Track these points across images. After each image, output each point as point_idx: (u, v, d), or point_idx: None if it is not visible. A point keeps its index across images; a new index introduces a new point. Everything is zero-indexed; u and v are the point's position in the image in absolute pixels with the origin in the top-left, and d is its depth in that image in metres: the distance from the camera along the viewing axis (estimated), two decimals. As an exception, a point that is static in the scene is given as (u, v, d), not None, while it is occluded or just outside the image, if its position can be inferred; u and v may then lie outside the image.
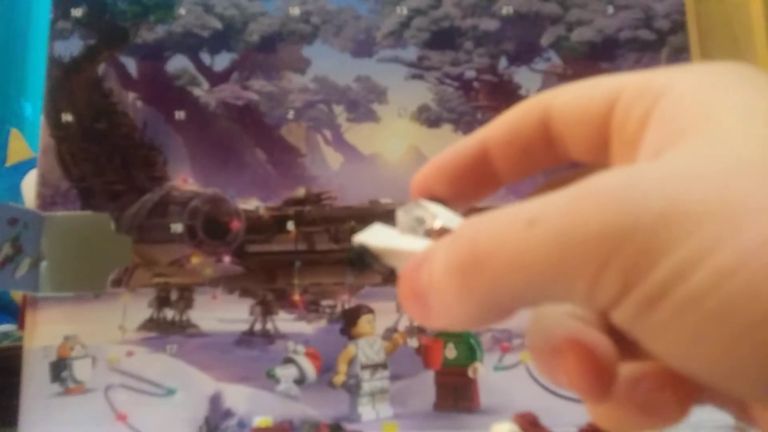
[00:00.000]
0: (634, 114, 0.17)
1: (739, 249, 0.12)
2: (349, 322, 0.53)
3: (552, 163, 0.20)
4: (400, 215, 0.19)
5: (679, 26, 0.57)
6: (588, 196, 0.14)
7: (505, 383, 0.51)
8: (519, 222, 0.14)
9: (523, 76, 0.57)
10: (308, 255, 0.54)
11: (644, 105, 0.17)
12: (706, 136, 0.15)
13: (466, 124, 0.56)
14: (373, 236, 0.19)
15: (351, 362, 0.52)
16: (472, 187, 0.20)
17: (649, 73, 0.17)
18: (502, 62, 0.57)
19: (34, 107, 1.00)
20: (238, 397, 0.51)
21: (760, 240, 0.12)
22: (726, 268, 0.12)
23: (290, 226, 0.54)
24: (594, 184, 0.14)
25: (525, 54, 0.58)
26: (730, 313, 0.12)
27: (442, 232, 0.18)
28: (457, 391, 0.51)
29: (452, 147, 0.20)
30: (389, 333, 0.52)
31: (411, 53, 0.57)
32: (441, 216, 0.18)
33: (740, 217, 0.13)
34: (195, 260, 0.54)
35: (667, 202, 0.13)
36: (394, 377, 0.52)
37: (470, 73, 0.57)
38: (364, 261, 0.18)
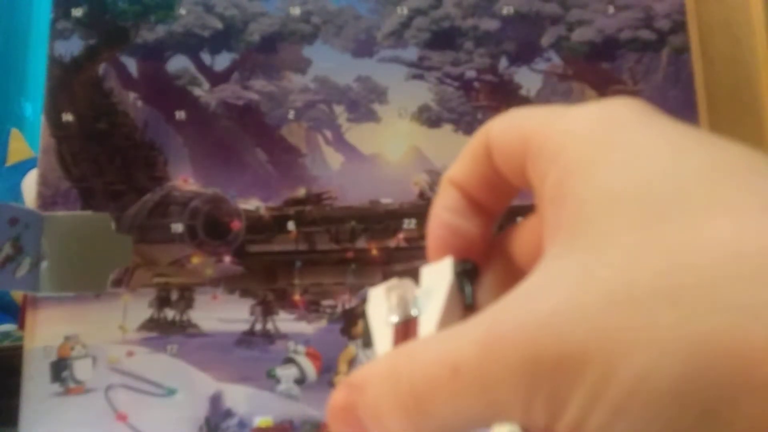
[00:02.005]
0: (537, 172, 0.18)
1: (618, 394, 0.14)
2: (349, 322, 0.53)
3: (518, 189, 0.20)
4: (388, 297, 0.20)
5: (679, 26, 0.57)
6: (495, 342, 0.15)
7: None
8: (446, 370, 0.16)
9: (523, 76, 0.57)
10: (309, 255, 0.54)
11: (542, 166, 0.17)
12: (587, 244, 0.15)
13: (466, 124, 0.56)
14: (376, 304, 0.20)
15: (352, 362, 0.52)
16: (480, 227, 0.21)
17: (548, 123, 0.18)
18: (503, 62, 0.57)
19: (34, 107, 1.00)
20: (239, 397, 0.51)
21: (629, 387, 0.14)
22: (612, 412, 0.14)
23: (291, 226, 0.54)
24: (497, 327, 0.15)
25: (525, 54, 0.58)
26: None
27: (401, 329, 0.19)
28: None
29: (436, 202, 0.21)
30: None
31: (411, 53, 0.57)
32: (420, 301, 0.20)
33: (614, 359, 0.14)
34: (195, 260, 0.54)
35: (557, 345, 0.14)
36: (394, 377, 0.52)
37: (471, 73, 0.57)
38: (364, 322, 0.20)
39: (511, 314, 0.15)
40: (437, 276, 0.20)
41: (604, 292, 0.14)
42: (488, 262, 0.21)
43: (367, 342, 0.20)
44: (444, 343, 0.16)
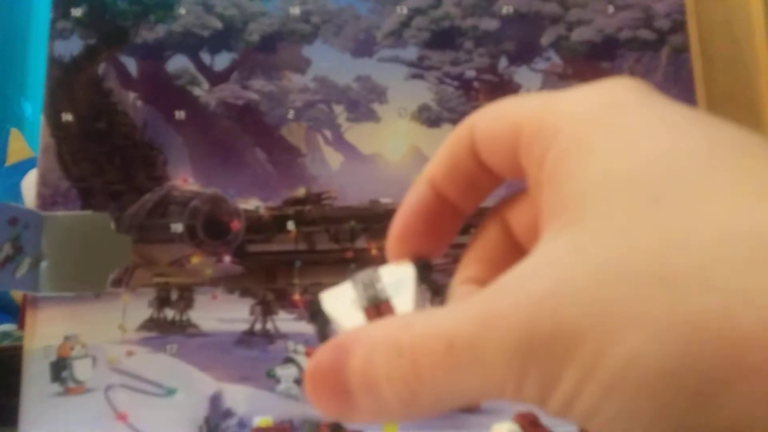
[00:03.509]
0: (533, 156, 0.18)
1: (609, 374, 0.14)
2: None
3: (497, 184, 0.21)
4: (354, 285, 0.20)
5: (679, 26, 0.57)
6: (490, 319, 0.15)
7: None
8: (442, 344, 0.16)
9: (523, 75, 0.57)
10: (308, 255, 0.54)
11: (539, 150, 0.17)
12: (583, 225, 0.15)
13: (466, 123, 0.56)
14: (334, 300, 0.20)
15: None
16: (443, 228, 0.21)
17: (544, 107, 0.18)
18: (503, 62, 0.57)
19: (34, 107, 1.00)
20: (238, 397, 0.51)
21: (620, 367, 0.14)
22: (602, 391, 0.14)
23: (290, 225, 0.54)
24: (493, 305, 0.16)
25: (525, 54, 0.58)
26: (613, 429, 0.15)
27: (373, 311, 0.19)
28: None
29: (406, 200, 0.21)
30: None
31: (411, 53, 0.57)
32: (388, 290, 0.20)
33: (606, 339, 0.14)
34: (195, 260, 0.54)
35: (551, 323, 0.14)
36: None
37: (470, 73, 0.57)
38: (317, 320, 0.20)
39: (507, 294, 0.16)
40: (398, 272, 0.20)
41: (597, 272, 0.14)
42: (486, 228, 0.22)
43: (323, 336, 0.20)
44: (440, 318, 0.16)
